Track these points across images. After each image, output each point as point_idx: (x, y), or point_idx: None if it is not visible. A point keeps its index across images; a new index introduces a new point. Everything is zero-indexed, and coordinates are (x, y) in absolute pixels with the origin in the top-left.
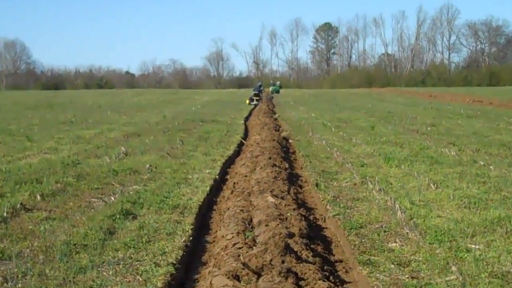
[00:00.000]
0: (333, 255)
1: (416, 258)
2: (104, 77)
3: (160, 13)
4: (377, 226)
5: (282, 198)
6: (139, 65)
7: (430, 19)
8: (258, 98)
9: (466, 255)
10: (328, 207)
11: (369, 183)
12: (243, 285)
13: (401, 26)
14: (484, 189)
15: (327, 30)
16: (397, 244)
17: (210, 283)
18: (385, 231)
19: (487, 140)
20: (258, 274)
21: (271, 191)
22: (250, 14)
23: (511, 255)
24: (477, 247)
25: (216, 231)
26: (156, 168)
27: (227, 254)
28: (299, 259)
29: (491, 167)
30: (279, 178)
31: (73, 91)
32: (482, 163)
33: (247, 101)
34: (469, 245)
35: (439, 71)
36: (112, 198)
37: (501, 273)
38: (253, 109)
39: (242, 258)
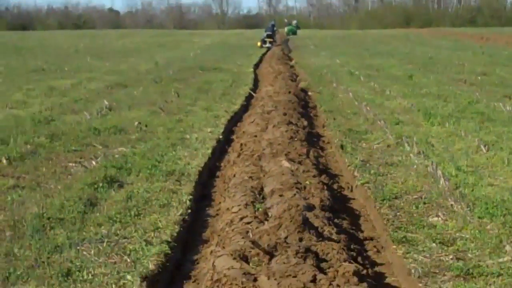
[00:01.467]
0: (362, 232)
1: (463, 235)
2: (82, 15)
3: None
4: (415, 196)
5: (300, 162)
6: (125, 0)
7: None
8: (271, 40)
9: None
10: (355, 173)
11: (406, 144)
12: (253, 267)
13: None
14: None
15: None
16: (440, 218)
17: (213, 265)
18: (425, 203)
19: None
20: (271, 254)
21: (286, 154)
22: None
23: None
24: None
25: (220, 203)
26: (146, 126)
27: (233, 230)
28: (320, 236)
29: None
30: (296, 139)
31: (45, 32)
32: None
33: (259, 44)
34: None
35: (492, 7)
36: (94, 163)
37: None
38: (264, 54)
39: (251, 235)
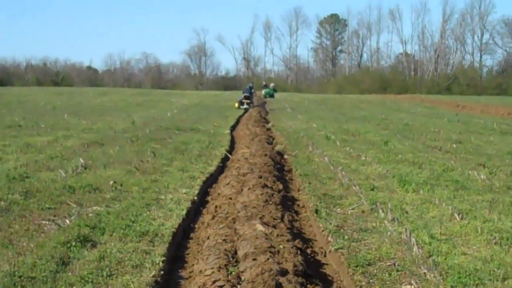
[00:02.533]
0: None
1: None
2: (61, 72)
3: None
4: (388, 263)
5: (274, 226)
6: (103, 59)
7: (458, 13)
8: (249, 101)
9: None
10: (329, 238)
11: (380, 211)
12: None
13: (423, 21)
14: None
15: (334, 23)
16: (412, 286)
17: None
18: (398, 270)
19: None
20: None
21: (260, 218)
22: (240, 0)
23: None
24: None
25: (193, 265)
26: (121, 185)
27: None
28: None
29: None
30: (271, 202)
31: (22, 88)
32: None
33: (236, 105)
34: None
35: (468, 76)
36: (67, 221)
37: None
38: (241, 116)
39: None
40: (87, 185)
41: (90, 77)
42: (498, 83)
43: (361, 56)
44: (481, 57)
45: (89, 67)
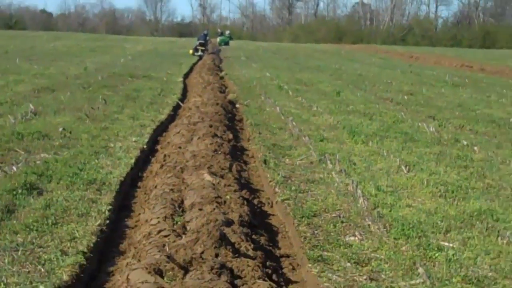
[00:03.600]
0: (279, 249)
1: (378, 256)
2: (14, 15)
3: None
4: (333, 215)
5: (222, 176)
6: (58, 2)
7: None
8: (203, 48)
9: (437, 255)
10: (276, 189)
11: (329, 162)
12: (167, 282)
13: None
14: (465, 175)
15: None
16: (356, 238)
17: (127, 278)
18: (342, 222)
19: (474, 114)
20: (186, 269)
21: (209, 167)
22: None
23: (490, 256)
24: (451, 245)
25: (139, 214)
26: (71, 132)
27: (150, 243)
28: (236, 252)
29: (475, 148)
30: (220, 152)
31: None
32: (465, 142)
33: (191, 51)
34: (442, 243)
35: (423, 27)
36: (14, 168)
37: (476, 277)
38: (195, 63)
39: (167, 249)
40: (36, 131)
41: (44, 21)
42: (453, 35)
43: (317, 5)
44: (436, 8)
45: (43, 11)
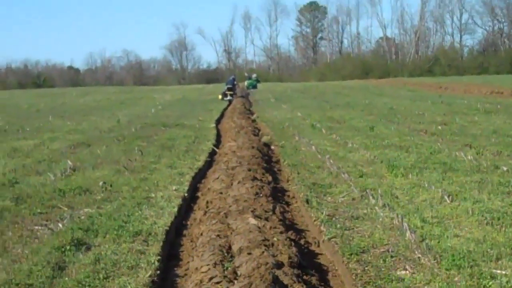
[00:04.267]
0: None
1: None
2: (42, 73)
3: None
4: (382, 250)
5: (266, 219)
6: (84, 58)
7: None
8: (232, 92)
9: (490, 283)
10: (322, 228)
11: (371, 197)
12: None
13: (402, 4)
14: (509, 201)
15: (313, 11)
16: (407, 271)
17: None
18: (392, 256)
19: (510, 140)
20: None
21: (252, 211)
22: None
23: None
24: (504, 272)
25: (188, 262)
26: (111, 186)
27: None
28: None
29: None
30: (261, 195)
31: (4, 92)
32: (505, 168)
33: (220, 97)
34: (494, 271)
35: (449, 57)
36: (60, 225)
37: None
38: (225, 108)
39: None
40: (77, 187)
41: (72, 77)
42: (480, 63)
43: (341, 43)
44: (461, 37)
45: (70, 67)
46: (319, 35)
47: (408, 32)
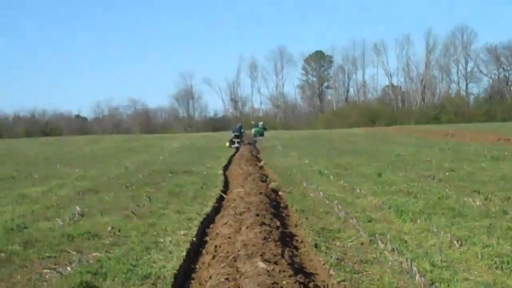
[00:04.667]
0: None
1: None
2: (49, 122)
3: (115, 43)
4: None
5: (275, 263)
6: (91, 107)
7: (441, 44)
8: (239, 140)
9: None
10: (331, 272)
11: (379, 242)
12: None
13: (407, 53)
14: None
15: (319, 60)
16: None
17: None
18: None
19: None
20: None
21: (261, 255)
22: (225, 42)
23: None
24: None
25: None
26: (119, 231)
27: None
28: None
29: None
30: (270, 239)
31: (12, 140)
32: None
33: (227, 144)
34: None
35: (455, 104)
36: (69, 269)
37: None
38: (233, 155)
39: None
40: (85, 232)
41: (79, 126)
42: (486, 110)
43: (347, 91)
44: (467, 85)
45: (77, 116)
46: (325, 83)
47: (414, 80)
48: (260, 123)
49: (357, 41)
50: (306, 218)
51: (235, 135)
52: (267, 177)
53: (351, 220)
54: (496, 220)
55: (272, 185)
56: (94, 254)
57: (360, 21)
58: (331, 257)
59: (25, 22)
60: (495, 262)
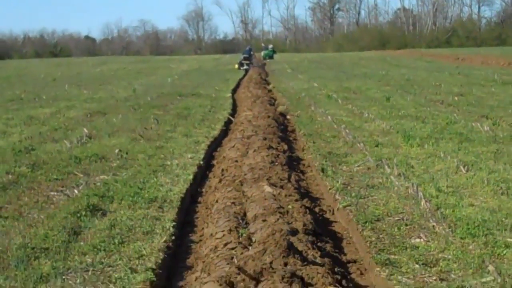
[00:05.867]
0: (345, 255)
1: (445, 256)
2: (58, 43)
3: None
4: (397, 218)
5: (282, 187)
6: (101, 28)
7: None
8: (248, 62)
9: (505, 252)
10: (337, 196)
11: (386, 166)
12: None
13: None
14: None
15: None
16: (422, 239)
17: None
18: (406, 225)
19: None
20: (257, 279)
21: (268, 179)
22: None
23: None
24: None
25: (203, 229)
26: (127, 153)
27: (217, 256)
28: (305, 260)
29: None
30: (276, 163)
31: (21, 60)
32: None
33: (236, 66)
34: (509, 240)
35: (467, 28)
36: (76, 191)
37: None
38: (242, 78)
39: (236, 261)
40: (92, 154)
41: (88, 47)
42: (497, 34)
43: (359, 14)
44: (479, 8)
45: (87, 37)
46: (337, 5)
47: (425, 3)
48: (270, 46)
49: None
50: (314, 142)
51: (244, 57)
52: (275, 100)
53: (358, 145)
54: (504, 146)
55: (280, 108)
56: (101, 176)
57: None
58: (337, 181)
59: None
60: (501, 187)
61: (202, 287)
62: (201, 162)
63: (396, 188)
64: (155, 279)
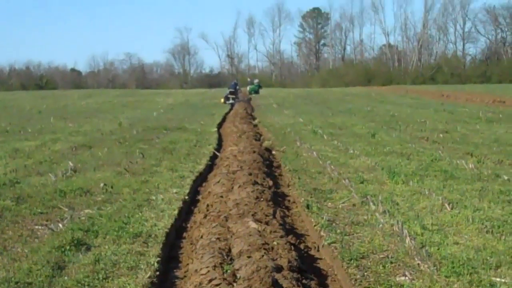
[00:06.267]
0: None
1: None
2: (44, 75)
3: None
4: (382, 256)
5: (267, 223)
6: (87, 60)
7: (439, 3)
8: (234, 96)
9: None
10: (322, 233)
11: (371, 203)
12: None
13: (405, 11)
14: (510, 210)
15: (316, 17)
16: (407, 277)
17: None
18: (391, 262)
19: None
20: None
21: (253, 215)
22: None
23: None
24: (503, 280)
25: (188, 264)
26: (112, 187)
27: None
28: None
29: None
30: (262, 199)
31: (6, 93)
32: (506, 177)
33: (222, 100)
34: (493, 279)
35: (452, 65)
36: (60, 225)
37: None
38: (227, 113)
39: None
40: (77, 188)
41: (74, 80)
42: (482, 71)
43: (344, 49)
44: (464, 45)
45: (72, 70)
46: (322, 41)
47: (411, 39)
48: (256, 81)
49: None
50: (299, 178)
51: (230, 92)
52: (261, 135)
53: (343, 181)
54: (488, 184)
55: (266, 144)
56: (86, 211)
57: None
58: (323, 218)
59: None
60: (486, 226)
61: None
62: (186, 197)
63: (381, 225)
64: None
